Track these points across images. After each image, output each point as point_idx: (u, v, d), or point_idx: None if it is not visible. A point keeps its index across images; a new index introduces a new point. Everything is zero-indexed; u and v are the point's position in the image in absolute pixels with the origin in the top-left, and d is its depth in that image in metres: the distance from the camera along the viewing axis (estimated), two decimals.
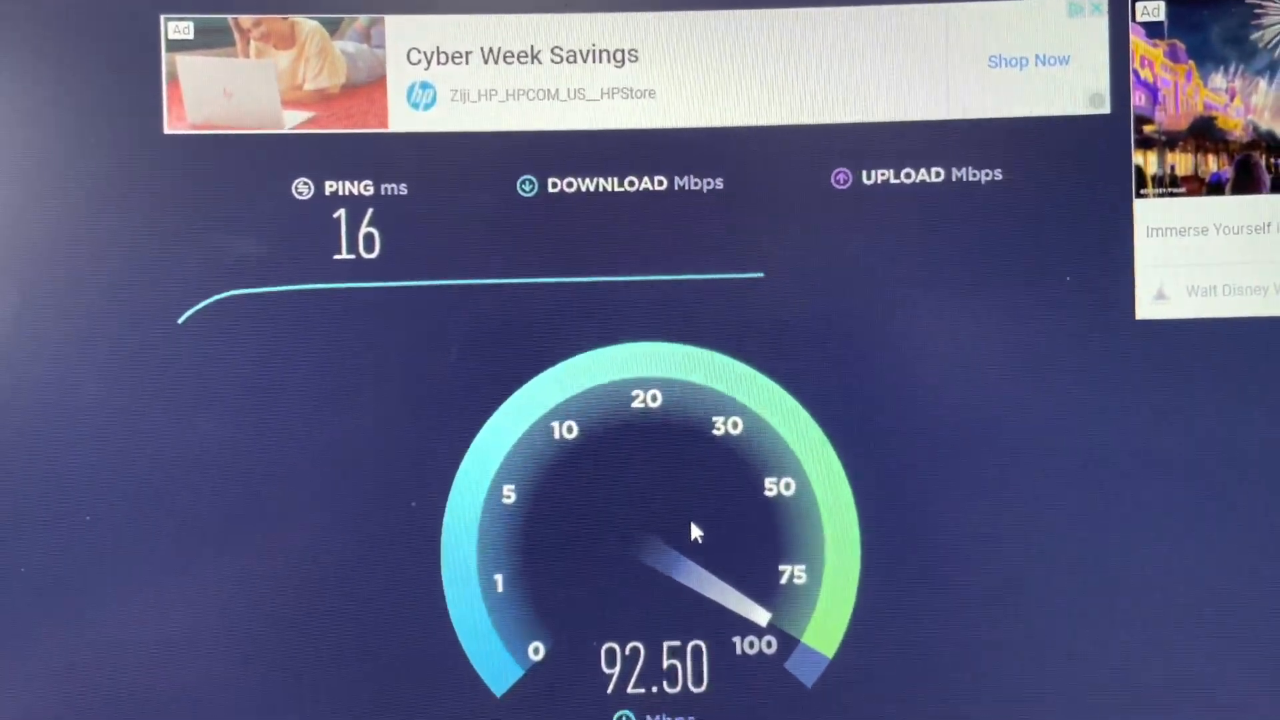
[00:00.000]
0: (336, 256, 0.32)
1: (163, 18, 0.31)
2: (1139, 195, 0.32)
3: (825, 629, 0.32)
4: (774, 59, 0.32)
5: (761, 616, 0.32)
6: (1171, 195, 0.32)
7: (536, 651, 0.32)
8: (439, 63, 0.32)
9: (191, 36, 0.32)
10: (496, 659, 0.32)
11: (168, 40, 0.31)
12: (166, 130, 0.31)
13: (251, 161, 0.32)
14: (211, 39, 0.32)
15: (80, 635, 0.31)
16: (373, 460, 0.32)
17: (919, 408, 0.32)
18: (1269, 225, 0.32)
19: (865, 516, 0.32)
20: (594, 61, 0.32)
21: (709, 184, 0.32)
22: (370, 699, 0.32)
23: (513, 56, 0.32)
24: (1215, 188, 0.32)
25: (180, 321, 0.31)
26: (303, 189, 0.32)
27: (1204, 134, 0.32)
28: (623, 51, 0.32)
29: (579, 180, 0.32)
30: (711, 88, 0.32)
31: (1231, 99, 0.32)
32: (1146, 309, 0.32)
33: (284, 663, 0.32)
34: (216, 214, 0.32)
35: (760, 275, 0.32)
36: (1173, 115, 0.32)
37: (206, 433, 0.31)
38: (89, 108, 0.31)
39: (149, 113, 0.31)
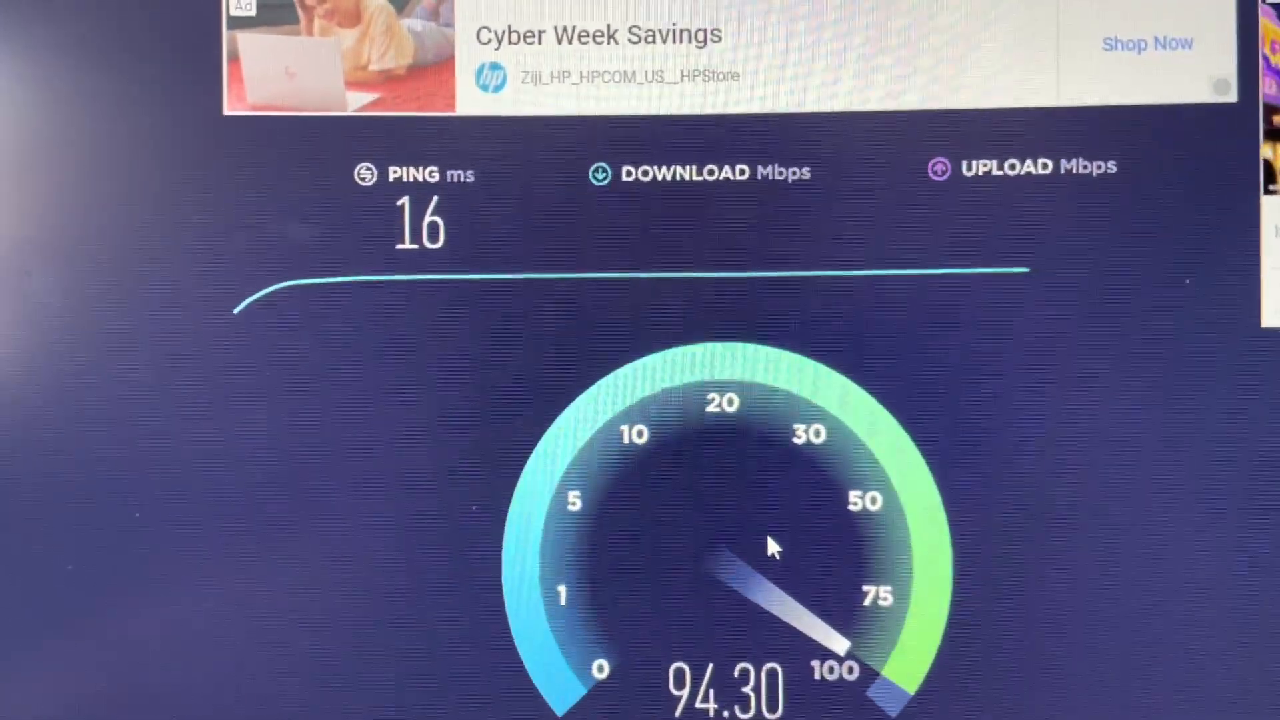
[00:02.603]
0: (399, 246, 0.30)
1: None
2: (1268, 192, 0.29)
3: (909, 661, 0.30)
4: (866, 40, 0.30)
5: (840, 645, 0.30)
6: None
7: (601, 669, 0.30)
8: (510, 42, 0.30)
9: (254, 13, 0.30)
10: (558, 676, 0.30)
11: (229, 17, 0.30)
12: (226, 111, 0.30)
13: (313, 145, 0.30)
14: (274, 15, 0.30)
15: (128, 634, 0.30)
16: (432, 462, 0.30)
17: (1020, 421, 0.30)
18: None
19: (958, 536, 0.30)
20: (674, 41, 0.30)
21: (794, 174, 0.30)
22: (424, 714, 0.30)
23: (588, 36, 0.30)
24: None
25: (236, 312, 0.30)
26: (365, 175, 0.30)
27: None
28: (705, 31, 0.30)
29: (655, 169, 0.30)
30: (798, 70, 0.30)
31: None
32: (1274, 316, 0.29)
33: (333, 672, 0.30)
34: (275, 200, 0.30)
35: (848, 274, 0.30)
36: None
37: (260, 428, 0.30)
38: (145, 87, 0.30)
39: (208, 93, 0.30)
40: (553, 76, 0.30)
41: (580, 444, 0.30)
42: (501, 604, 0.30)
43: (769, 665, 0.30)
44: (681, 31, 0.30)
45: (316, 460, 0.30)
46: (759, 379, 0.30)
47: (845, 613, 0.30)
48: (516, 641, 0.30)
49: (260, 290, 0.30)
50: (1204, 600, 0.29)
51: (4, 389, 0.30)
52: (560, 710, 0.30)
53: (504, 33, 0.30)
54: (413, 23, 0.30)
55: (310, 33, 0.30)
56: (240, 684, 0.30)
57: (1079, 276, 0.30)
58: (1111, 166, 0.30)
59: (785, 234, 0.30)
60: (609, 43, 0.30)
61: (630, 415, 0.30)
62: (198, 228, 0.30)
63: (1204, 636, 0.29)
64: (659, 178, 0.30)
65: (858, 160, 0.30)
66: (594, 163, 0.30)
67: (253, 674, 0.30)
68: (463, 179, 0.30)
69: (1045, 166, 0.30)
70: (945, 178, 0.30)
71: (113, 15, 0.30)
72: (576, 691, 0.30)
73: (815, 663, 0.30)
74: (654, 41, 0.30)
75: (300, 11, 0.30)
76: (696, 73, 0.30)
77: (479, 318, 0.30)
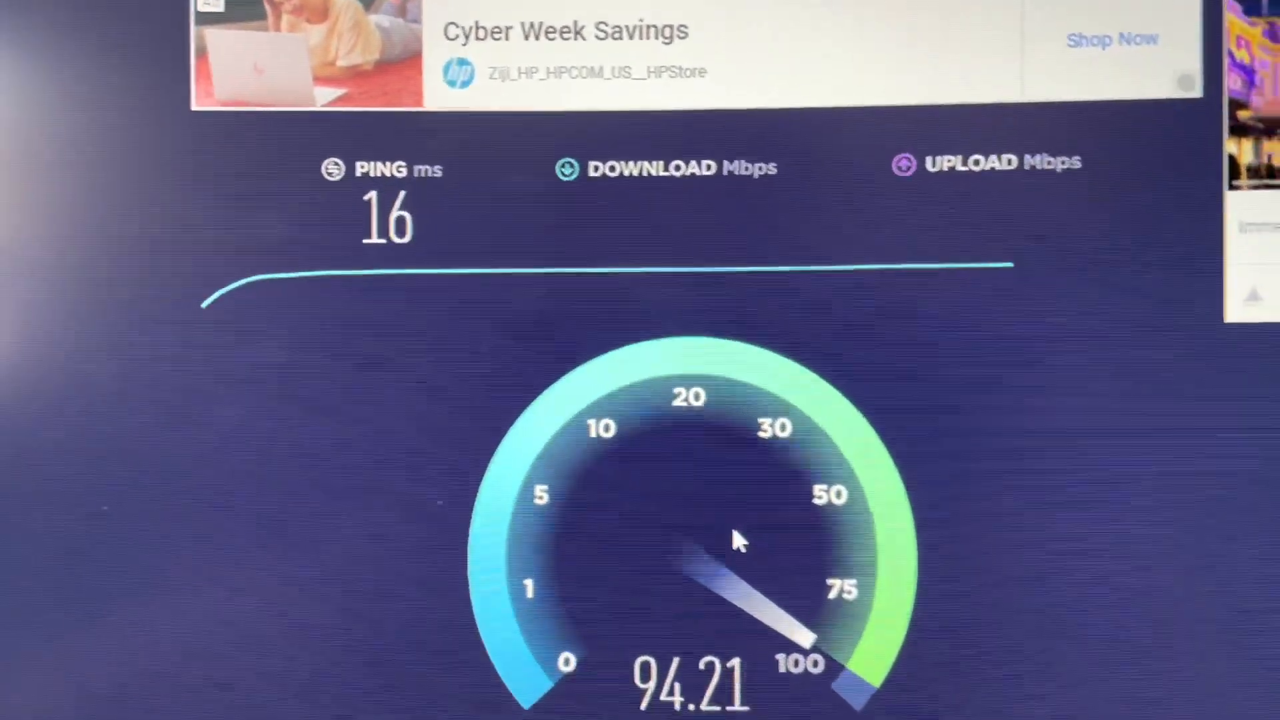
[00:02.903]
0: (367, 241, 0.30)
1: None
2: (1232, 187, 0.30)
3: (874, 654, 0.30)
4: (833, 36, 0.30)
5: (806, 638, 0.30)
6: (1268, 187, 0.29)
7: (567, 662, 0.30)
8: (477, 38, 0.30)
9: (222, 9, 0.30)
10: (525, 669, 0.30)
11: (197, 13, 0.30)
12: (194, 107, 0.30)
13: (281, 140, 0.30)
14: (242, 11, 0.30)
15: (96, 628, 0.30)
16: (399, 455, 0.30)
17: (983, 414, 0.30)
18: None
19: (922, 530, 0.30)
20: (641, 38, 0.30)
21: (761, 169, 0.30)
22: (390, 707, 0.30)
23: (555, 32, 0.30)
24: None
25: (204, 306, 0.30)
26: (333, 170, 0.30)
27: None
28: (671, 27, 0.30)
29: (622, 164, 0.30)
30: (765, 67, 0.30)
31: None
32: (1237, 311, 0.29)
33: (299, 666, 0.30)
34: (244, 195, 0.30)
35: (813, 269, 0.30)
36: (1271, 100, 0.30)
37: (228, 422, 0.30)
38: (114, 83, 0.30)
39: (176, 89, 0.30)
40: (520, 72, 0.30)
41: (547, 438, 0.30)
42: (468, 598, 0.30)
43: (734, 658, 0.30)
44: (648, 28, 0.30)
45: (284, 454, 0.30)
46: (725, 373, 0.30)
47: (810, 606, 0.30)
48: (483, 635, 0.30)
49: (229, 285, 0.30)
50: (1167, 594, 0.29)
51: None
52: (527, 704, 0.30)
53: (471, 29, 0.30)
54: (380, 19, 0.30)
55: (278, 28, 0.30)
56: (205, 677, 0.30)
57: (1044, 272, 0.30)
58: (1076, 162, 0.30)
59: (751, 229, 0.30)
60: (576, 39, 0.30)
61: (597, 409, 0.30)
62: (166, 223, 0.30)
63: (1168, 630, 0.29)
64: (626, 173, 0.30)
65: (824, 156, 0.30)
66: (561, 158, 0.30)
67: (218, 668, 0.30)
68: (430, 174, 0.30)
69: (1010, 162, 0.30)
70: (910, 173, 0.30)
71: (81, 12, 0.30)
72: (543, 685, 0.30)
73: (780, 656, 0.30)
74: (621, 38, 0.30)
75: (268, 7, 0.30)
76: (663, 69, 0.30)
77: (446, 312, 0.30)
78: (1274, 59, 0.30)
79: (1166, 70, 0.30)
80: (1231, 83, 0.30)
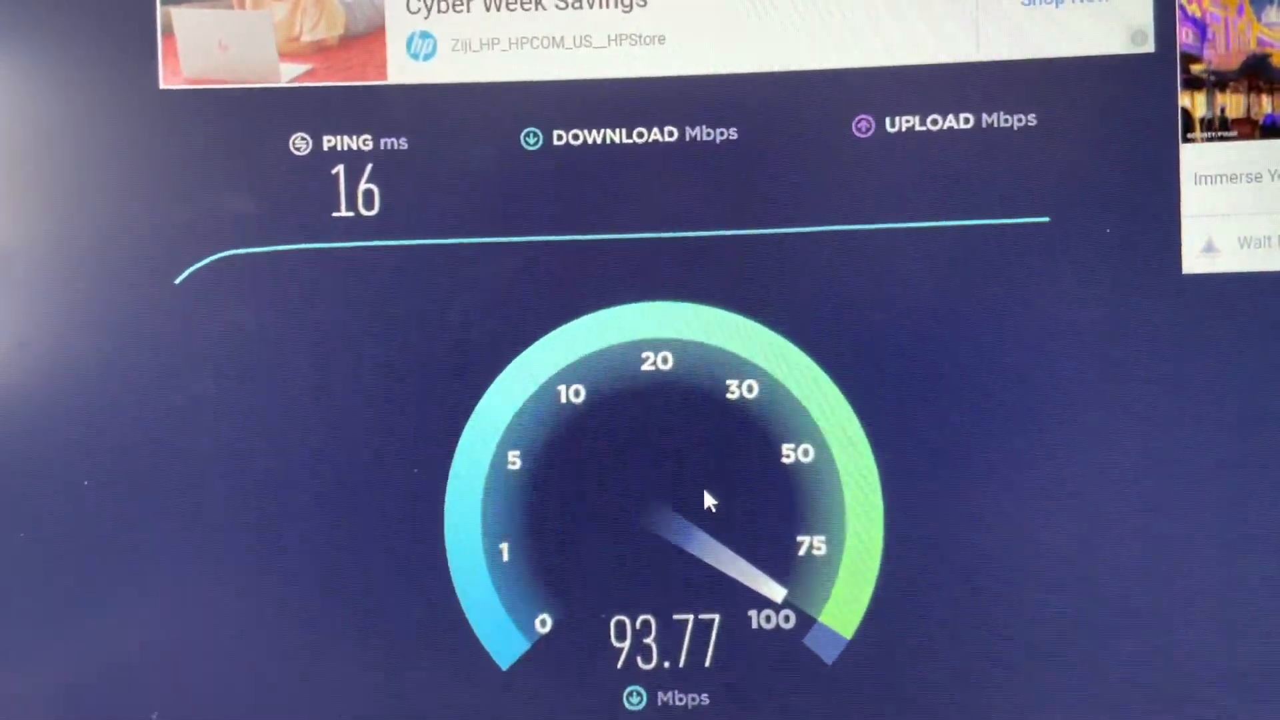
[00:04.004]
0: (335, 214, 0.31)
1: None
2: (1185, 140, 0.30)
3: (844, 607, 0.31)
4: (790, 1, 0.30)
5: (777, 593, 0.31)
6: (1222, 139, 0.30)
7: (544, 624, 0.31)
8: (439, 11, 0.31)
9: None
10: (502, 631, 0.31)
11: None
12: (161, 85, 0.31)
13: (248, 116, 0.31)
14: None
15: (79, 600, 0.31)
16: (373, 424, 0.31)
17: (945, 370, 0.30)
18: None
19: (888, 484, 0.30)
20: (600, 7, 0.31)
21: (722, 134, 0.31)
22: (371, 670, 0.31)
23: (516, 3, 0.31)
24: (1270, 130, 0.30)
25: (177, 282, 0.31)
26: (300, 144, 0.31)
27: (1258, 73, 0.30)
28: None
29: (585, 132, 0.31)
30: (724, 33, 0.31)
31: None
32: (1194, 262, 0.30)
33: (280, 633, 0.31)
34: (213, 171, 0.31)
35: (776, 230, 0.30)
36: (1223, 53, 0.30)
37: (203, 394, 0.31)
38: (82, 63, 0.31)
39: (143, 68, 0.31)
40: (482, 44, 0.31)
41: (519, 404, 0.31)
42: (445, 562, 0.31)
43: (707, 616, 0.31)
44: None
45: (259, 425, 0.31)
46: (691, 337, 0.31)
47: (781, 563, 0.31)
48: (460, 598, 0.31)
49: (201, 260, 0.31)
50: (1137, 537, 0.30)
51: None
52: (504, 664, 0.31)
53: (433, 2, 0.31)
54: None
55: (242, 6, 0.31)
56: (186, 644, 0.31)
57: (1002, 229, 0.30)
58: (1032, 119, 0.30)
59: (714, 193, 0.31)
60: (537, 9, 0.31)
61: (567, 375, 0.31)
62: (137, 201, 0.31)
63: (1133, 579, 0.30)
64: (589, 141, 0.31)
65: (784, 120, 0.31)
66: (525, 127, 0.31)
67: (199, 635, 0.31)
68: (396, 146, 0.31)
69: (967, 121, 0.30)
70: (869, 134, 0.30)
71: None
72: (520, 646, 0.31)
73: (753, 612, 0.31)
74: (581, 7, 0.31)
75: None
76: (624, 37, 0.31)
77: (415, 283, 0.31)
78: (1225, 13, 0.30)
79: (1119, 26, 0.30)
80: (1184, 37, 0.30)
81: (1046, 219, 0.30)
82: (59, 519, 0.31)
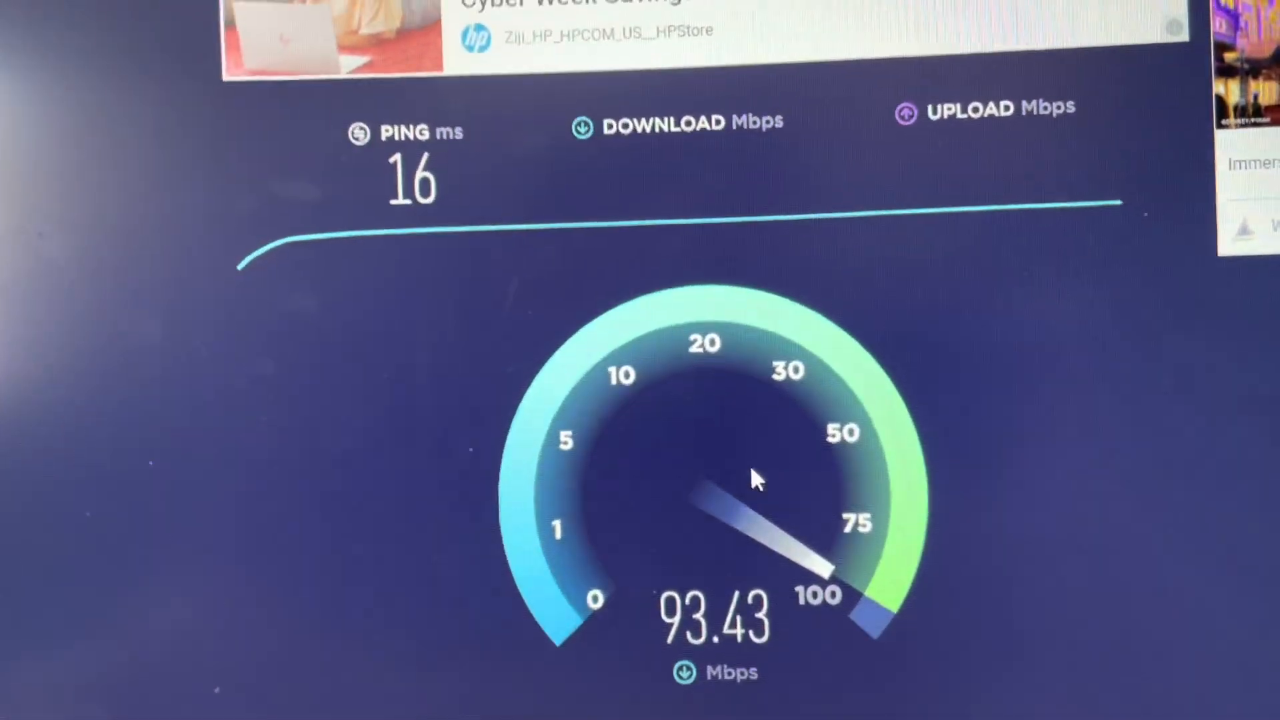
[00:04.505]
0: (393, 202, 0.32)
1: None
2: (1220, 126, 0.31)
3: (890, 581, 0.31)
4: None
5: (824, 568, 0.31)
6: (1255, 125, 0.31)
7: (596, 600, 0.32)
8: (494, 4, 0.32)
9: None
10: (555, 607, 0.32)
11: None
12: (225, 77, 0.32)
13: (308, 107, 0.32)
14: None
15: (144, 578, 0.32)
16: (430, 406, 0.31)
17: (988, 350, 0.31)
18: None
19: (932, 463, 0.31)
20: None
21: (768, 122, 0.31)
22: (428, 647, 0.32)
23: None
24: None
25: (240, 268, 0.32)
26: (359, 134, 0.32)
27: None
28: None
29: (635, 121, 0.32)
30: (769, 23, 0.31)
31: None
32: (1229, 245, 0.31)
33: (338, 611, 0.32)
34: (274, 161, 0.32)
35: (820, 216, 0.31)
36: (1256, 42, 0.31)
37: (265, 377, 0.31)
38: (148, 56, 0.31)
39: (207, 60, 0.32)
40: (535, 36, 0.32)
41: (570, 386, 0.32)
42: (500, 541, 0.32)
43: (756, 592, 0.32)
44: None
45: (319, 407, 0.31)
46: (738, 319, 0.32)
47: (827, 539, 0.31)
48: (515, 576, 0.32)
49: (262, 247, 0.32)
50: (1169, 522, 0.31)
51: (20, 345, 0.32)
52: (559, 640, 0.32)
53: None
54: None
55: (303, 0, 0.32)
56: (246, 620, 0.32)
57: (1044, 213, 0.31)
58: (1070, 106, 0.31)
59: (760, 180, 0.31)
60: (588, 2, 0.32)
61: (617, 357, 0.32)
62: (202, 189, 0.32)
63: (1168, 554, 0.31)
64: (639, 130, 0.32)
65: (828, 107, 0.31)
66: (576, 117, 0.32)
67: (260, 610, 0.32)
68: (451, 136, 0.32)
69: (1007, 108, 0.31)
70: (912, 122, 0.31)
71: None
72: (573, 621, 0.32)
73: (800, 588, 0.31)
74: (630, 0, 0.32)
75: None
76: (672, 28, 0.32)
77: (470, 268, 0.32)
78: (1257, 2, 0.31)
79: (1155, 16, 0.31)
80: (1217, 26, 0.31)
81: (1087, 203, 0.31)
82: (124, 499, 0.31)
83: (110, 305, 0.31)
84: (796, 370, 0.32)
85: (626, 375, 0.32)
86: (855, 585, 0.31)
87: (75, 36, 0.32)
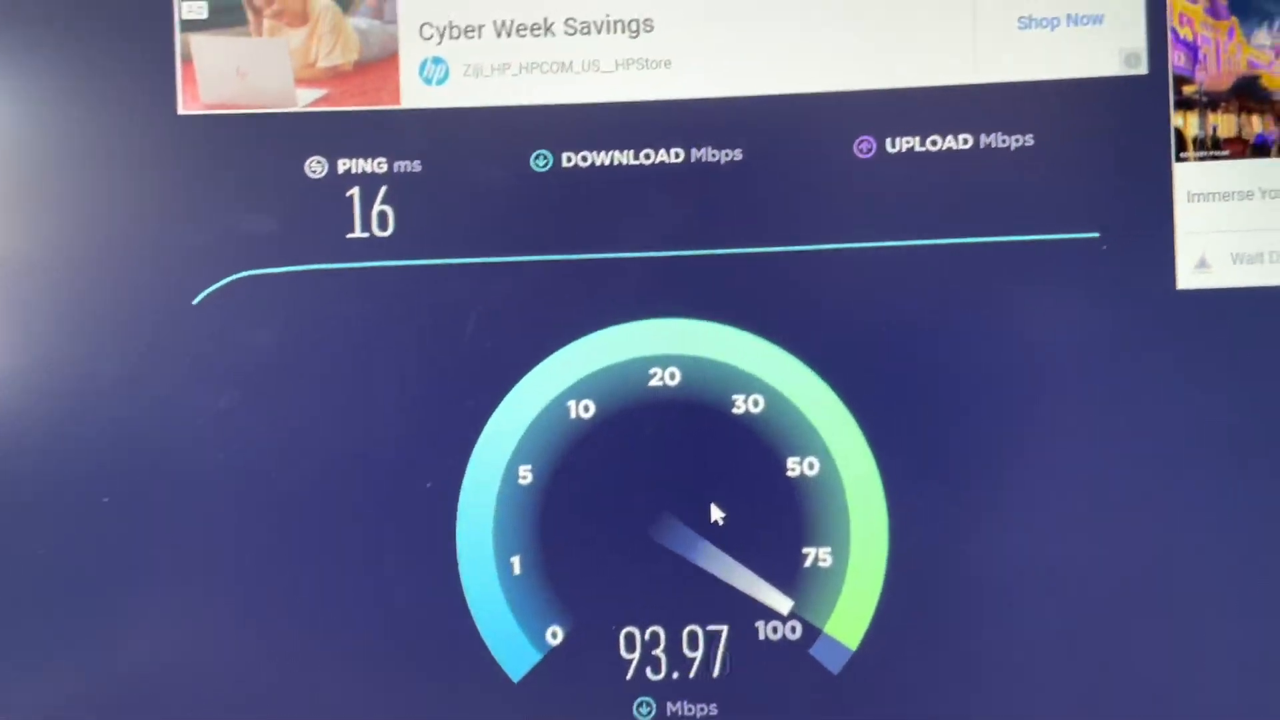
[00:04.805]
0: (350, 235, 0.31)
1: None
2: (1179, 159, 0.31)
3: (850, 618, 0.31)
4: (792, 25, 0.31)
5: (783, 604, 0.31)
6: (1214, 158, 0.31)
7: (555, 635, 0.31)
8: (451, 37, 0.32)
9: (205, 16, 0.31)
10: (514, 643, 0.31)
11: (181, 20, 0.31)
12: (180, 111, 0.31)
13: (265, 141, 0.31)
14: (224, 18, 0.31)
15: (97, 617, 0.31)
16: (387, 441, 0.31)
17: (948, 385, 0.31)
18: None
19: (893, 497, 0.31)
20: (608, 32, 0.32)
21: (727, 155, 0.31)
22: (384, 683, 0.31)
23: (525, 29, 0.32)
24: (1261, 149, 0.31)
25: (195, 302, 0.31)
26: (316, 168, 0.31)
27: (1248, 94, 0.31)
28: (637, 21, 0.32)
29: (594, 154, 0.31)
30: (728, 57, 0.31)
31: (1277, 56, 0.31)
32: (1188, 279, 0.31)
33: (295, 646, 0.31)
34: (230, 194, 0.31)
35: (780, 249, 0.31)
36: (1214, 75, 0.31)
37: (222, 414, 0.31)
38: (103, 90, 0.31)
39: (163, 94, 0.31)
40: (493, 69, 0.32)
41: (529, 420, 0.31)
42: (457, 576, 0.31)
43: (716, 627, 0.31)
44: (615, 22, 0.32)
45: (276, 443, 0.31)
46: (698, 353, 0.31)
47: (787, 574, 0.31)
48: (473, 611, 0.31)
49: (218, 281, 0.31)
50: (1129, 555, 0.31)
51: None
52: (516, 676, 0.31)
53: (445, 28, 0.32)
54: (358, 21, 0.32)
55: (260, 33, 0.32)
56: (197, 659, 0.31)
57: (1003, 247, 0.31)
58: (1029, 140, 0.31)
59: (719, 213, 0.31)
60: (546, 35, 0.32)
61: (577, 391, 0.32)
62: (157, 223, 0.31)
63: (1135, 591, 0.31)
64: (598, 163, 0.31)
65: (787, 141, 0.31)
66: (535, 150, 0.31)
67: (211, 650, 0.31)
68: (410, 169, 0.31)
69: (965, 141, 0.31)
70: (871, 155, 0.31)
71: (73, 23, 0.31)
72: (531, 658, 0.31)
73: (760, 623, 0.31)
74: (589, 33, 0.32)
75: (250, 13, 0.32)
76: (631, 61, 0.32)
77: (429, 302, 0.31)
78: (1216, 35, 0.31)
79: (1113, 49, 0.31)
80: (1176, 59, 0.31)
81: (1044, 237, 0.31)
82: (78, 536, 0.31)
83: (64, 340, 0.31)
84: (756, 403, 0.31)
85: (586, 409, 0.32)
86: (815, 622, 0.31)
87: (29, 68, 0.31)
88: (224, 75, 0.31)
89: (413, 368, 0.31)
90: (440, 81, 0.32)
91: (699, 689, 0.31)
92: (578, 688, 0.31)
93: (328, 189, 0.31)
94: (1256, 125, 0.31)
